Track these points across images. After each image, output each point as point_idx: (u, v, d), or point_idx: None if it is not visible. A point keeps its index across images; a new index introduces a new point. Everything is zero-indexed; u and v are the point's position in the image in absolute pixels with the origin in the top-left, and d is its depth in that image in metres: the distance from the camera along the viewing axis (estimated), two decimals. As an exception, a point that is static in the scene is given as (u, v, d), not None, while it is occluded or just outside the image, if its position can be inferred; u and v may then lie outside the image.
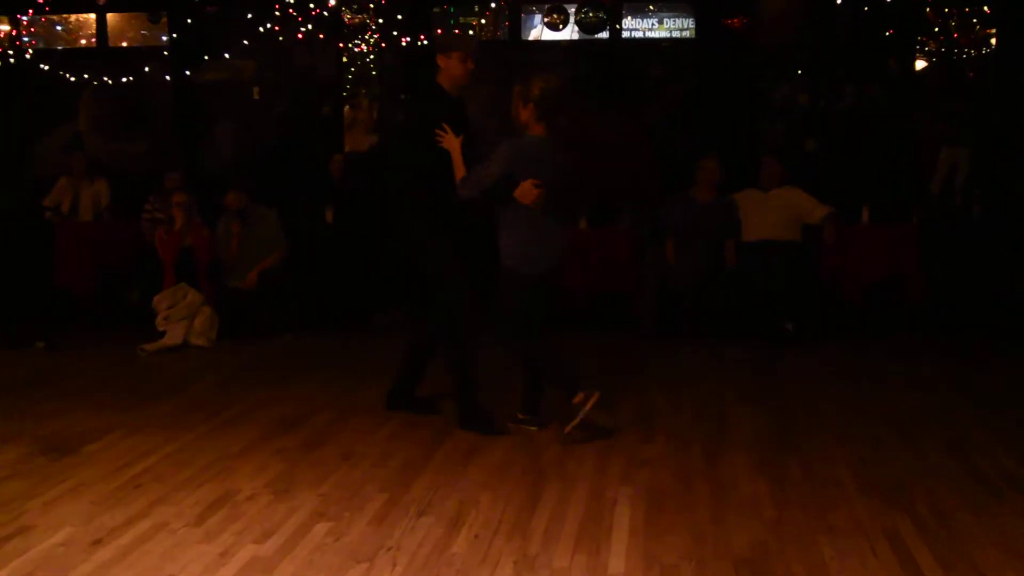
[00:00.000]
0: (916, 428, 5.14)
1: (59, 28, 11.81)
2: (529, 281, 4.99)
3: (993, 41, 10.17)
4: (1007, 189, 9.13)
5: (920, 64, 10.38)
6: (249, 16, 9.84)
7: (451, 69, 5.12)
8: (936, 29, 10.23)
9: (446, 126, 5.02)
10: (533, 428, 5.15)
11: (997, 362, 6.77)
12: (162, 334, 7.35)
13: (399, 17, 10.12)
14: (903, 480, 4.34)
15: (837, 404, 5.68)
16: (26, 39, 10.92)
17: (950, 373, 6.43)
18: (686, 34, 10.76)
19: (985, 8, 10.08)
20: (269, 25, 9.84)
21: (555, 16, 10.41)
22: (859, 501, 4.08)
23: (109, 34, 11.24)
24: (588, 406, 4.87)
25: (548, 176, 4.92)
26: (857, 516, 3.92)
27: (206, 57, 10.57)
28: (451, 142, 5.03)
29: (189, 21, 10.42)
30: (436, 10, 10.63)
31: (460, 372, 5.21)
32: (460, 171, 4.99)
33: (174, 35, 10.67)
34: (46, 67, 10.74)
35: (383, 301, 8.32)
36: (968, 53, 10.26)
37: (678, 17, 10.77)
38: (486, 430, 5.09)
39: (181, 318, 7.38)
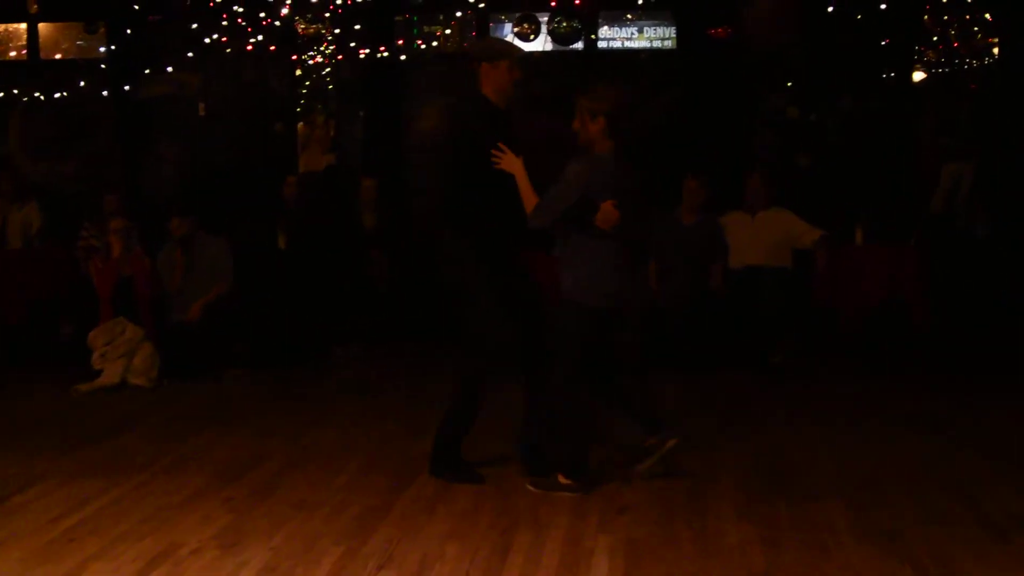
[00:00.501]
0: (915, 467, 5.19)
1: (-13, 39, 11.80)
2: (594, 317, 4.85)
3: (996, 51, 10.33)
4: (1011, 205, 9.25)
5: (918, 75, 10.53)
6: (194, 26, 9.87)
7: (498, 78, 4.97)
8: (935, 38, 10.40)
9: (502, 145, 4.85)
10: (672, 441, 5.00)
11: (1003, 395, 6.81)
12: (98, 373, 7.30)
13: (357, 27, 10.16)
14: (901, 524, 4.36)
15: (830, 441, 5.71)
16: (-49, 51, 10.93)
17: (952, 407, 6.48)
18: (667, 44, 10.88)
19: (987, 15, 10.24)
20: (216, 36, 9.86)
21: (526, 26, 10.46)
22: (854, 548, 4.10)
23: (41, 45, 11.25)
24: (563, 494, 4.80)
25: (623, 197, 4.79)
26: (853, 565, 3.94)
27: (147, 70, 10.57)
28: (513, 164, 4.82)
29: (129, 31, 10.45)
30: (398, 19, 10.69)
31: (458, 410, 5.07)
32: (530, 198, 4.78)
33: (113, 47, 10.69)
34: (-28, 81, 10.74)
35: (343, 333, 8.33)
36: (969, 63, 10.42)
37: (659, 26, 10.88)
38: (458, 479, 5.02)
39: (119, 356, 7.33)
